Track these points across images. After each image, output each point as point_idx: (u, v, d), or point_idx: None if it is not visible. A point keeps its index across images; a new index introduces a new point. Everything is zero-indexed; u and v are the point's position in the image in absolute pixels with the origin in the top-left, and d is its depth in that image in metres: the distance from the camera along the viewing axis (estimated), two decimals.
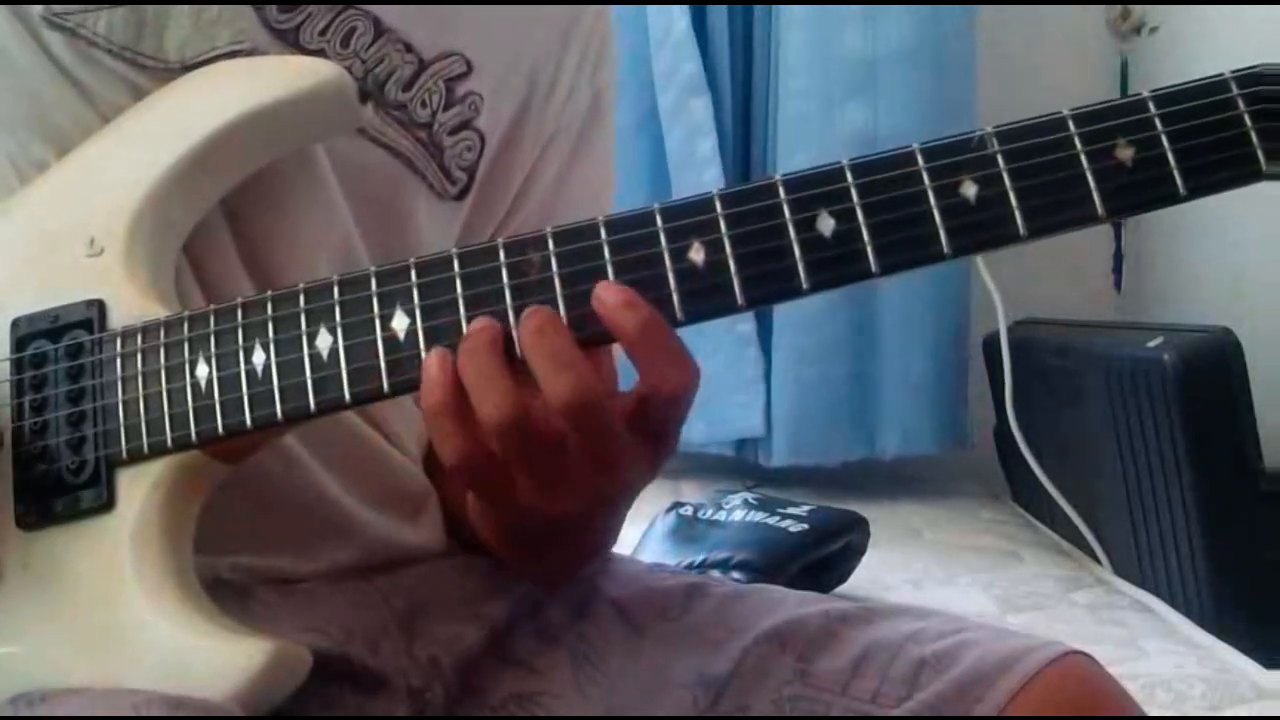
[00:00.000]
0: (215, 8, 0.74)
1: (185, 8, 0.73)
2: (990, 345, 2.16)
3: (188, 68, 0.74)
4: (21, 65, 0.73)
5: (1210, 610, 1.58)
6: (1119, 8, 2.43)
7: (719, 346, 2.16)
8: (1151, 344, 1.67)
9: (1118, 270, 2.44)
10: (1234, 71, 0.62)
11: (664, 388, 0.62)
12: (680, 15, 2.19)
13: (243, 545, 0.75)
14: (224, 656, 0.64)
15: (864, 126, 2.19)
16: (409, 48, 0.79)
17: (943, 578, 1.71)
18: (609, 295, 0.62)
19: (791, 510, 1.63)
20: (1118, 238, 2.41)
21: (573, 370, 0.61)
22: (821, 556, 1.58)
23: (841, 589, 1.58)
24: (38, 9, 0.73)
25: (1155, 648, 1.40)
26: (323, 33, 0.77)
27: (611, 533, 0.74)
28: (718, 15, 2.25)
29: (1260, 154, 0.61)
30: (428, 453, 0.85)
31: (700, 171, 2.16)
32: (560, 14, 0.87)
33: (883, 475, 2.25)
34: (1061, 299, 2.23)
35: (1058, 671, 0.68)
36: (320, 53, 0.76)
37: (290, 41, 0.76)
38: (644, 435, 0.63)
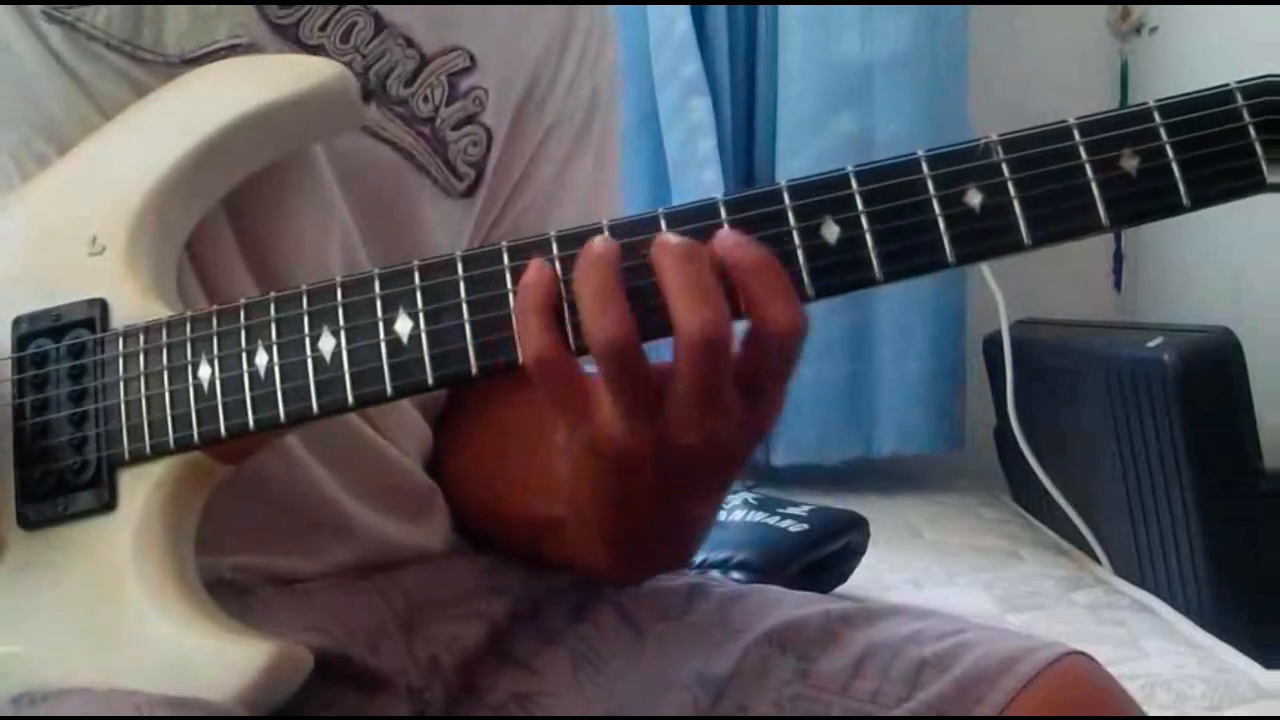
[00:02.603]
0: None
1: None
2: (991, 345, 2.16)
3: (186, 62, 0.74)
4: (21, 59, 0.73)
5: (1210, 610, 1.58)
6: (1119, 8, 2.43)
7: None
8: (1151, 344, 1.67)
9: (1118, 270, 2.44)
10: (1240, 82, 0.62)
11: (775, 326, 0.60)
12: (680, 16, 2.19)
13: (244, 545, 0.75)
14: (226, 657, 0.64)
15: (861, 130, 2.20)
16: (410, 43, 0.79)
17: (943, 577, 1.70)
18: (727, 235, 0.61)
19: (791, 510, 1.63)
20: (1118, 238, 2.41)
21: (711, 303, 0.59)
22: (821, 556, 1.58)
23: (841, 589, 1.58)
24: (37, 4, 0.73)
25: (1155, 648, 1.40)
26: (322, 28, 0.77)
27: (693, 536, 0.70)
28: (717, 16, 2.25)
29: (1264, 165, 0.61)
30: (433, 454, 0.85)
31: (700, 172, 2.16)
32: (559, 10, 0.87)
33: (882, 475, 2.25)
34: (1061, 299, 2.23)
35: (1058, 672, 0.68)
36: (320, 48, 0.77)
37: (290, 37, 0.76)
38: (750, 390, 0.61)
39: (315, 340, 0.66)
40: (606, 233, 0.63)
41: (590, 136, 0.89)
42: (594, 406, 0.62)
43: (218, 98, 0.73)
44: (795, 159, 2.15)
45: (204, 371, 0.67)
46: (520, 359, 0.62)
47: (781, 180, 0.64)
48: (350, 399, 0.65)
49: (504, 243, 0.65)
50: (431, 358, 0.64)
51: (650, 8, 2.21)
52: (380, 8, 0.78)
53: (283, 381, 0.66)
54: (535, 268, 0.62)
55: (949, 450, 2.26)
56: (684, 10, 2.20)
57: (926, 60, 2.20)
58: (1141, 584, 1.72)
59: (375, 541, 0.79)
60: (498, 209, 0.86)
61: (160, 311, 0.69)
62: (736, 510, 1.66)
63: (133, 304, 0.69)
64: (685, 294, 0.59)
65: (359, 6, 0.78)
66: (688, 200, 0.64)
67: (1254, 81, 0.62)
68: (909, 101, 2.19)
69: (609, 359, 0.60)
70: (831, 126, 2.19)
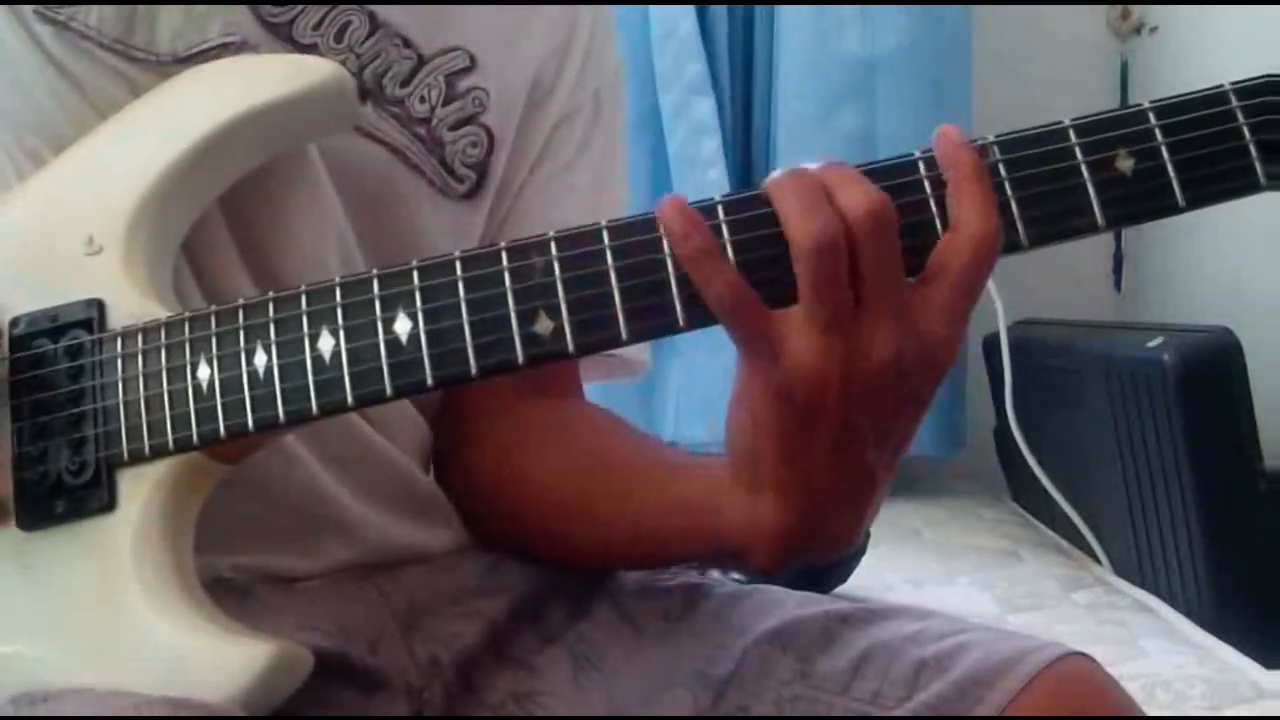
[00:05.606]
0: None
1: None
2: (990, 345, 2.16)
3: (179, 61, 0.74)
4: (15, 58, 0.73)
5: (1210, 610, 1.58)
6: (1119, 8, 2.43)
7: (721, 345, 2.16)
8: (1151, 344, 1.67)
9: (1118, 270, 2.44)
10: (1234, 83, 0.62)
11: (971, 229, 0.61)
12: (685, 16, 2.19)
13: (243, 544, 0.75)
14: (225, 657, 0.64)
15: (862, 127, 2.19)
16: (407, 43, 0.79)
17: (943, 578, 1.71)
18: (950, 130, 0.63)
19: None
20: (1118, 238, 2.41)
21: (866, 183, 0.61)
22: None
23: (841, 589, 1.58)
24: (29, 3, 0.73)
25: (1155, 648, 1.40)
26: (316, 27, 0.77)
27: (864, 502, 0.67)
28: (719, 16, 2.26)
29: (1259, 166, 0.61)
30: (436, 456, 0.85)
31: (704, 171, 2.16)
32: (560, 12, 0.87)
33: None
34: (1061, 299, 2.23)
35: (1058, 673, 0.68)
36: (314, 47, 0.76)
37: (283, 36, 0.76)
38: (942, 301, 0.62)
39: (314, 340, 0.66)
40: (605, 235, 0.64)
41: (595, 137, 0.89)
42: (784, 340, 0.62)
43: (214, 97, 0.72)
44: (796, 156, 2.14)
45: (203, 372, 0.67)
46: (679, 319, 0.63)
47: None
48: (350, 399, 0.65)
49: (502, 243, 0.65)
50: (431, 358, 0.64)
51: (652, 8, 2.21)
52: (375, 7, 0.78)
53: (282, 382, 0.66)
54: (674, 209, 0.62)
55: (949, 452, 2.26)
56: (689, 10, 2.20)
57: (928, 57, 2.20)
58: (1141, 584, 1.72)
59: (374, 540, 0.79)
60: (504, 211, 0.86)
61: (158, 312, 0.69)
62: None
63: (130, 304, 0.69)
64: (849, 182, 0.61)
65: (353, 6, 0.77)
66: (691, 200, 0.64)
67: (1249, 82, 0.62)
68: (911, 99, 2.19)
69: (821, 254, 0.60)
70: (833, 124, 2.19)
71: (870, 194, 0.61)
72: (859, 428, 0.63)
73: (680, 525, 0.74)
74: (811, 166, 0.63)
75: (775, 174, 0.63)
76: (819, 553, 0.71)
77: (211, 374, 0.67)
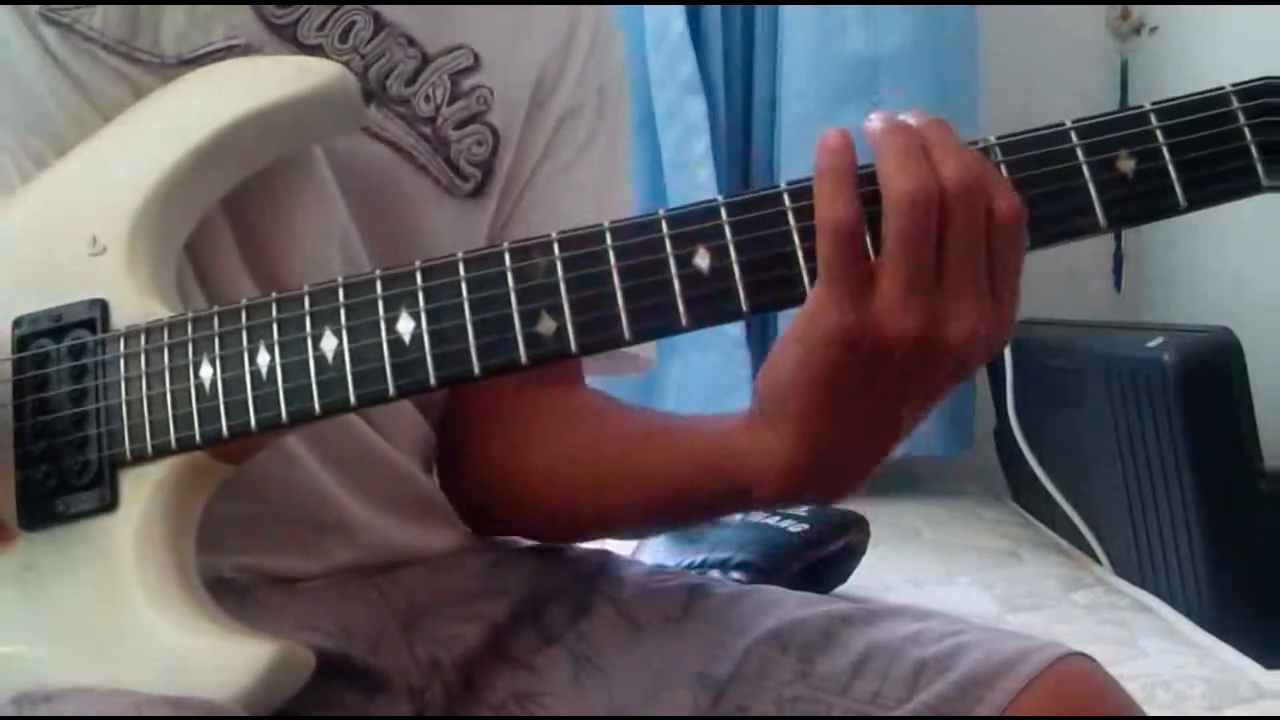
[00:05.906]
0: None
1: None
2: None
3: (184, 62, 0.74)
4: (19, 60, 0.74)
5: (1210, 610, 1.58)
6: (1119, 8, 2.43)
7: (713, 346, 2.16)
8: (1151, 344, 1.67)
9: (1118, 270, 2.44)
10: (1235, 84, 0.62)
11: (1003, 214, 0.62)
12: (676, 16, 2.19)
13: (244, 545, 0.75)
14: (227, 657, 0.64)
15: None
16: (411, 42, 0.79)
17: (943, 578, 1.70)
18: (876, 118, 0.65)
19: (791, 510, 1.63)
20: (1118, 238, 2.41)
21: (965, 155, 0.62)
22: (821, 556, 1.58)
23: (841, 589, 1.58)
24: (34, 5, 0.73)
25: (1155, 648, 1.40)
26: (320, 28, 0.77)
27: (881, 452, 0.69)
28: (713, 16, 2.25)
29: (1259, 167, 0.62)
30: (442, 459, 0.85)
31: (694, 172, 2.16)
32: (563, 11, 0.87)
33: (882, 475, 2.25)
34: (1061, 299, 2.23)
35: (1058, 673, 0.68)
36: (318, 48, 0.77)
37: (287, 37, 0.76)
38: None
39: (317, 340, 0.66)
40: (608, 235, 0.64)
41: (598, 135, 0.89)
42: (874, 287, 0.62)
43: (218, 98, 0.73)
44: (798, 157, 2.15)
45: (205, 371, 0.67)
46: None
47: (781, 182, 0.64)
48: (352, 399, 0.65)
49: (505, 244, 0.65)
50: (434, 357, 0.64)
51: (646, 8, 2.21)
52: (380, 7, 0.78)
53: (285, 381, 0.66)
54: (838, 135, 0.64)
55: (958, 452, 2.26)
56: (679, 10, 2.20)
57: (932, 57, 2.19)
58: (1141, 584, 1.72)
59: (375, 541, 0.79)
60: (509, 210, 0.86)
61: (160, 312, 0.69)
62: None
63: (133, 304, 0.70)
64: (951, 151, 0.62)
65: (358, 6, 0.77)
66: (683, 200, 0.65)
67: (1250, 84, 0.62)
68: (916, 99, 2.18)
69: (915, 208, 0.61)
70: (836, 123, 2.18)
71: (968, 167, 0.62)
72: (908, 389, 0.64)
73: (686, 473, 0.74)
74: (915, 121, 0.64)
75: (876, 122, 0.64)
76: (820, 496, 0.73)
77: (214, 374, 0.67)
